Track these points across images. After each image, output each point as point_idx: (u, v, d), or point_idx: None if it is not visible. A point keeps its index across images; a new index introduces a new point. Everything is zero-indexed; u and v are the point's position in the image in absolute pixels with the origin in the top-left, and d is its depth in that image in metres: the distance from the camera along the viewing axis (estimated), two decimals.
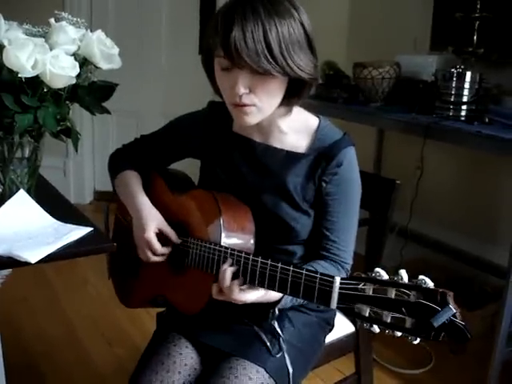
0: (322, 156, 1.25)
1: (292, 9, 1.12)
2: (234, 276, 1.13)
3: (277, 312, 1.26)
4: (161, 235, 1.31)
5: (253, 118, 1.18)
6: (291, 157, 1.27)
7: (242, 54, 1.07)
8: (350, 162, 1.26)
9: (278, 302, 1.19)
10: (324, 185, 1.25)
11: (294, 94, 1.20)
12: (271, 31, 1.07)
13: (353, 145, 1.27)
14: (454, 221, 2.79)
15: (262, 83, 1.12)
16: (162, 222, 1.32)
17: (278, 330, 1.26)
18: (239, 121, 1.20)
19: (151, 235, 1.28)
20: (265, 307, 1.22)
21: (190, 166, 1.51)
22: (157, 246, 1.29)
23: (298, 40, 1.11)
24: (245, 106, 1.15)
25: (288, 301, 1.20)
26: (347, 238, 1.29)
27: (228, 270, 1.13)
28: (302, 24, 1.13)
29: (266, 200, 1.27)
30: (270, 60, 1.08)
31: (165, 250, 1.30)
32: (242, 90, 1.12)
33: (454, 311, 0.86)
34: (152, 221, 1.30)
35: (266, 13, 1.08)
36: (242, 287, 1.13)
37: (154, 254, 1.30)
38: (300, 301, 1.22)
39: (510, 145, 1.85)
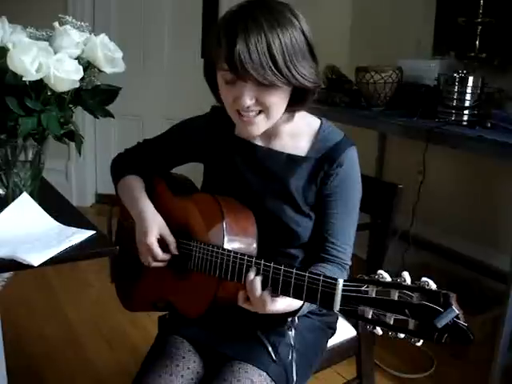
0: (324, 159, 1.25)
1: (292, 17, 1.13)
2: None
3: (296, 321, 1.25)
4: (162, 241, 1.30)
5: (259, 127, 1.19)
6: (292, 160, 1.27)
7: (247, 67, 1.07)
8: (352, 162, 1.27)
9: (298, 310, 1.16)
10: (324, 186, 1.25)
11: (298, 101, 1.21)
12: (275, 43, 1.08)
13: (353, 144, 1.28)
14: (456, 225, 2.78)
15: (267, 94, 1.13)
16: (164, 229, 1.31)
17: (292, 341, 1.24)
18: (246, 132, 1.21)
19: (153, 240, 1.28)
20: (284, 316, 1.20)
21: (192, 171, 1.51)
22: (158, 251, 1.28)
23: (300, 49, 1.12)
24: (250, 116, 1.15)
25: (305, 308, 1.18)
26: (346, 239, 1.28)
27: (257, 280, 1.10)
28: (303, 32, 1.14)
29: (268, 203, 1.27)
30: (275, 72, 1.08)
31: (166, 256, 1.30)
32: (248, 101, 1.13)
33: (457, 312, 0.86)
34: (154, 226, 1.30)
35: (267, 24, 1.08)
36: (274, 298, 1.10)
37: (155, 259, 1.30)
38: (314, 307, 1.22)
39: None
